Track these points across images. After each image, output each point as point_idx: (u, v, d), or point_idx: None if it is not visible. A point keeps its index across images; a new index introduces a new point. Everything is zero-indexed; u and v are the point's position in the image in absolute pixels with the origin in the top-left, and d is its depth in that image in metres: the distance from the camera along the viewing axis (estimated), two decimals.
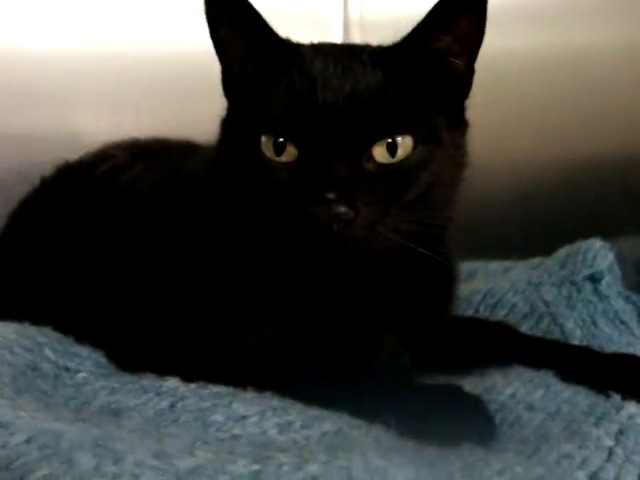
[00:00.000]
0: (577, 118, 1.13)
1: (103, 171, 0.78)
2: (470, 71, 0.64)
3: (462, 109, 0.65)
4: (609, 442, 0.51)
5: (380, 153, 0.58)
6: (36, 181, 0.87)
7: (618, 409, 0.58)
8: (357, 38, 1.26)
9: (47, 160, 0.95)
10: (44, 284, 0.74)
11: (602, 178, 1.12)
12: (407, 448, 0.49)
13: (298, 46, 0.63)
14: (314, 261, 0.59)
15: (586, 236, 0.98)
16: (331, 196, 0.54)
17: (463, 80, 0.64)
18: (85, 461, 0.38)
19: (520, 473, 0.43)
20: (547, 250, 1.01)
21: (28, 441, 0.41)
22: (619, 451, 0.50)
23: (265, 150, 0.58)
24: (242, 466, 0.39)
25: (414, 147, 0.59)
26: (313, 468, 0.39)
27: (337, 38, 1.26)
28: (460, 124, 0.65)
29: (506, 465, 0.45)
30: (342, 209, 0.54)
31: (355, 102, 0.58)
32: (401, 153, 0.58)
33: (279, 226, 0.57)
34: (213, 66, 0.64)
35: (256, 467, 0.39)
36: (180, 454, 0.41)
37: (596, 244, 0.94)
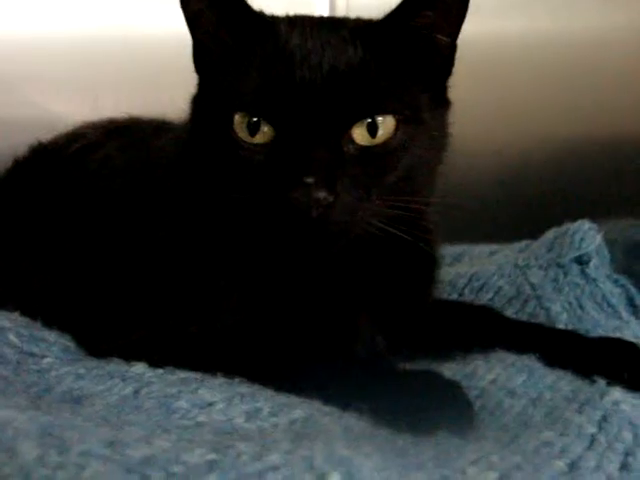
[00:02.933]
0: (564, 100, 1.12)
1: (75, 149, 0.76)
2: (453, 47, 0.61)
3: (445, 87, 0.63)
4: (591, 429, 0.49)
5: (360, 134, 0.55)
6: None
7: (602, 395, 0.56)
8: None
9: (25, 143, 0.93)
10: (14, 266, 0.72)
11: (590, 160, 1.11)
12: (379, 436, 0.47)
13: (273, 19, 0.60)
14: (291, 246, 0.57)
15: (575, 219, 0.97)
16: (310, 180, 0.52)
17: (446, 57, 0.61)
18: (28, 451, 0.35)
19: (495, 462, 0.41)
20: (535, 233, 1.00)
21: None
22: (601, 439, 0.48)
23: (238, 130, 0.55)
24: (198, 456, 0.37)
25: (396, 128, 0.56)
26: (273, 458, 0.37)
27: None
28: (443, 103, 0.62)
29: (482, 454, 0.43)
30: (322, 194, 0.52)
31: (335, 80, 0.55)
32: (382, 134, 0.56)
33: (254, 210, 0.55)
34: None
35: (213, 456, 0.37)
36: (135, 443, 0.39)
37: (584, 226, 0.93)
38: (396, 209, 0.57)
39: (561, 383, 0.60)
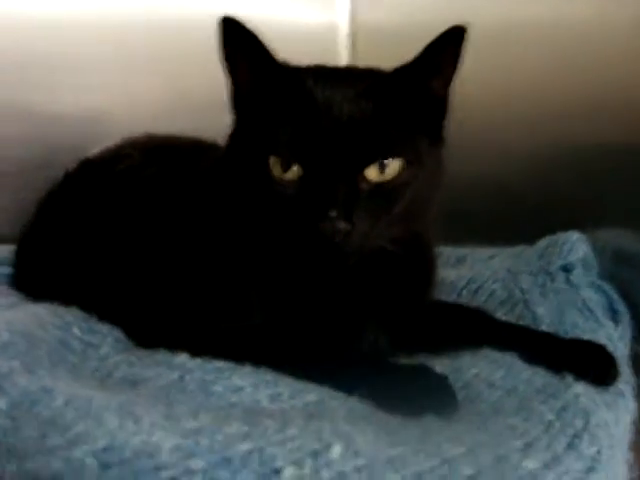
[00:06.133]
0: (562, 109, 1.17)
1: (121, 169, 0.87)
2: (448, 94, 0.71)
3: (441, 127, 0.73)
4: (550, 416, 0.60)
5: (372, 173, 0.66)
6: (47, 149, 0.91)
7: (567, 388, 0.67)
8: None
9: (53, 127, 0.99)
10: (70, 269, 0.84)
11: (585, 169, 1.16)
12: (376, 417, 0.58)
13: (299, 70, 0.71)
14: (315, 261, 0.68)
15: (570, 225, 1.06)
16: (333, 214, 0.63)
17: (442, 103, 0.72)
18: (111, 420, 0.48)
19: (465, 439, 0.53)
20: (533, 238, 1.09)
21: (66, 404, 0.51)
22: (557, 424, 0.59)
23: (273, 168, 0.66)
24: (235, 427, 0.49)
25: (402, 169, 0.67)
26: (292, 431, 0.49)
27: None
28: (439, 141, 0.73)
29: (457, 433, 0.54)
30: (342, 225, 0.63)
31: (352, 128, 0.65)
32: (390, 173, 0.66)
33: (285, 233, 0.66)
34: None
35: (246, 429, 0.49)
36: (186, 417, 0.51)
37: (573, 236, 1.03)
38: (400, 232, 0.69)
39: (535, 378, 0.70)
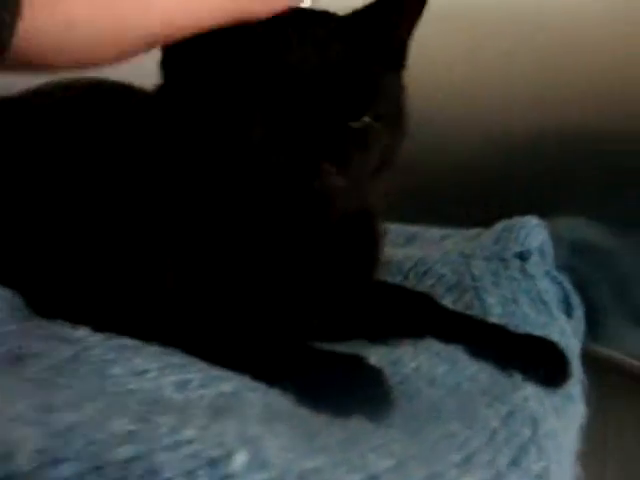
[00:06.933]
0: (523, 93, 1.11)
1: (36, 107, 0.77)
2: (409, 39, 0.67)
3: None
4: (495, 423, 0.54)
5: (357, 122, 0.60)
6: None
7: (515, 389, 0.61)
8: None
9: None
10: None
11: (543, 154, 1.10)
12: (296, 416, 0.50)
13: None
14: (285, 225, 0.61)
15: (526, 210, 1.00)
16: (331, 169, 0.57)
17: (404, 47, 0.67)
18: None
19: (395, 450, 0.45)
20: (488, 221, 1.03)
21: None
22: (502, 433, 0.52)
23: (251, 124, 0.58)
24: (119, 425, 0.40)
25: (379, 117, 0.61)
26: (188, 432, 0.40)
27: None
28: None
29: (385, 441, 0.47)
30: (339, 181, 0.58)
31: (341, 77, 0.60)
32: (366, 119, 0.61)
33: (258, 193, 0.58)
34: None
35: (132, 427, 0.40)
36: (65, 408, 0.42)
37: (531, 221, 0.96)
38: (371, 192, 0.64)
39: (480, 375, 0.63)
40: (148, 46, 0.56)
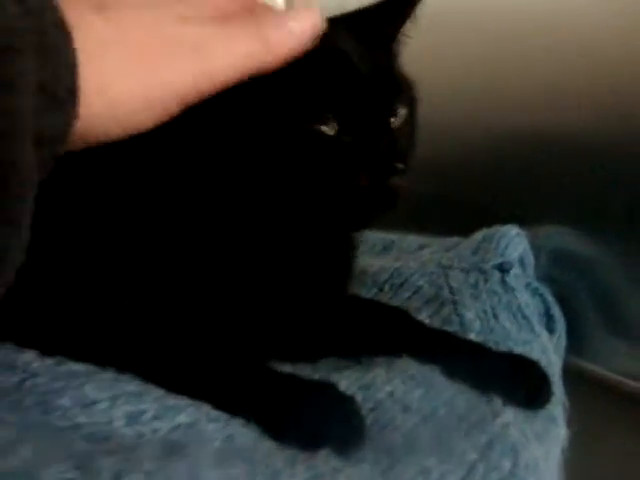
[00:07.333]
0: (505, 97, 1.08)
1: None
2: None
3: None
4: (473, 456, 0.50)
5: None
6: None
7: (495, 416, 0.57)
8: None
9: None
10: None
11: (523, 161, 1.08)
12: (259, 451, 0.46)
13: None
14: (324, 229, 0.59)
15: (506, 219, 0.96)
16: (401, 167, 0.56)
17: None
18: None
19: None
20: (467, 230, 0.99)
21: None
22: (480, 467, 0.49)
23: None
24: (56, 473, 0.36)
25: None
26: (134, 477, 0.36)
27: None
28: None
29: None
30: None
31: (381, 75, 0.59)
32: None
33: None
34: None
35: (70, 475, 0.36)
36: (0, 451, 0.38)
37: (512, 231, 0.92)
38: None
39: (457, 399, 0.60)
40: (179, 106, 0.51)
